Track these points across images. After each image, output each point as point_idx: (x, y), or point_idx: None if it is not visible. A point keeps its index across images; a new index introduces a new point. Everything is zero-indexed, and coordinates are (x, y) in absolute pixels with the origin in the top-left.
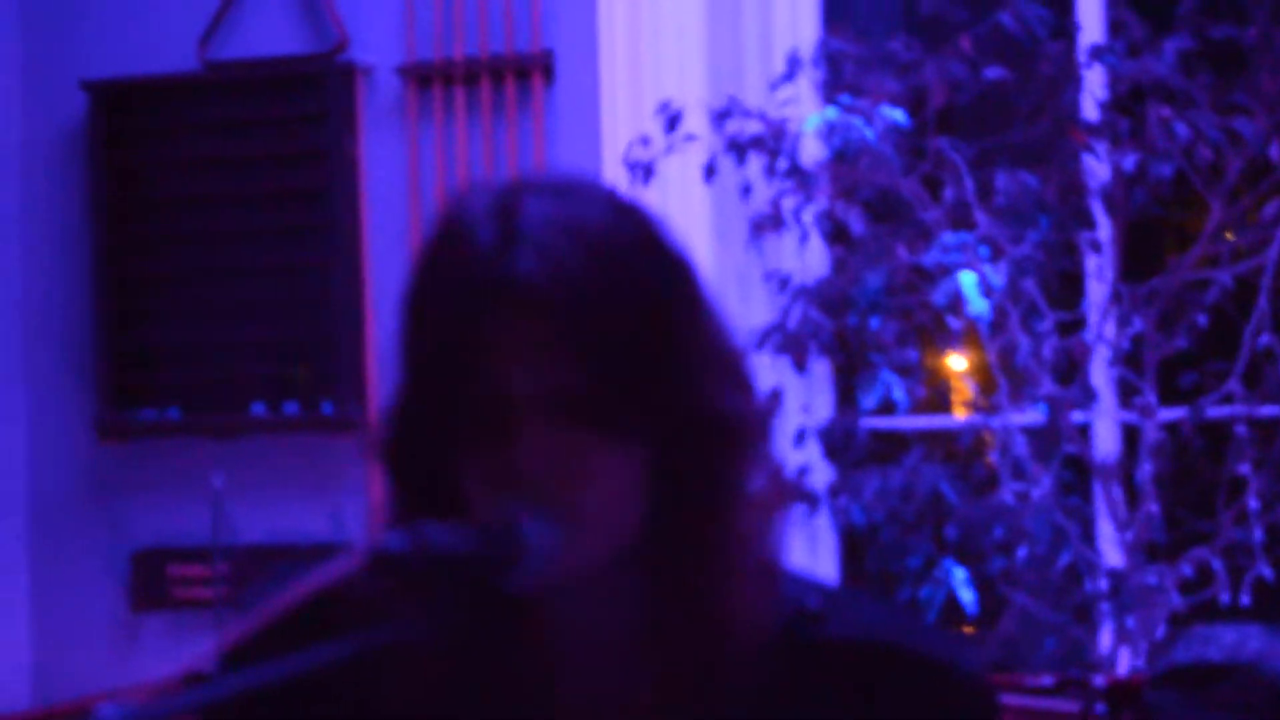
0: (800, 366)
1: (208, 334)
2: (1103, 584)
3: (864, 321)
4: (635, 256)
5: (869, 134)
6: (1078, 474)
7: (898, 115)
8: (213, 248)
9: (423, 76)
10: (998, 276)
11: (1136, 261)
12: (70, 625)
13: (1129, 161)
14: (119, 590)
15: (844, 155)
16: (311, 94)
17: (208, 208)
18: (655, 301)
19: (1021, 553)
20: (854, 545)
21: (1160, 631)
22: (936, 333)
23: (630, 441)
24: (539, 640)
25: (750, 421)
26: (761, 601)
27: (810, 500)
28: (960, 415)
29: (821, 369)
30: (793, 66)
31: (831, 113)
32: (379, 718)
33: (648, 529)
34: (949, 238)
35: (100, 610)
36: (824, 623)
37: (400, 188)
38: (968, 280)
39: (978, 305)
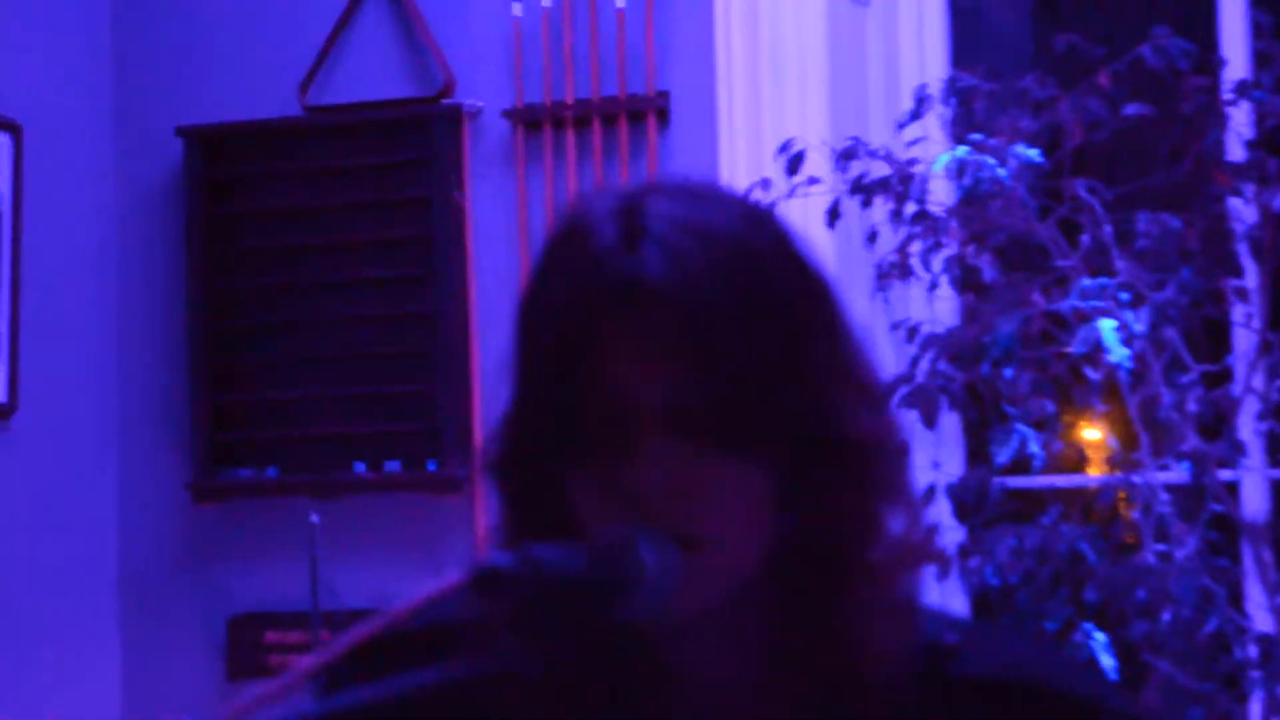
0: (929, 421)
1: (306, 390)
2: (1252, 651)
3: (997, 372)
4: (769, 263)
5: (1002, 173)
6: (1225, 534)
7: (1032, 154)
8: (312, 300)
9: (531, 120)
10: (1139, 324)
11: None
12: (165, 694)
13: (1278, 202)
14: (215, 658)
15: (975, 196)
16: (416, 139)
17: (307, 259)
18: (789, 312)
19: (1166, 617)
20: (987, 609)
21: None
22: (1074, 385)
23: (758, 462)
24: (655, 676)
25: (887, 447)
26: (896, 638)
27: (940, 561)
28: (1099, 472)
29: (952, 424)
30: (920, 104)
31: (962, 151)
32: None
33: (775, 558)
34: (1087, 283)
35: (196, 679)
36: (961, 659)
37: (509, 236)
38: (1107, 327)
39: (1118, 353)
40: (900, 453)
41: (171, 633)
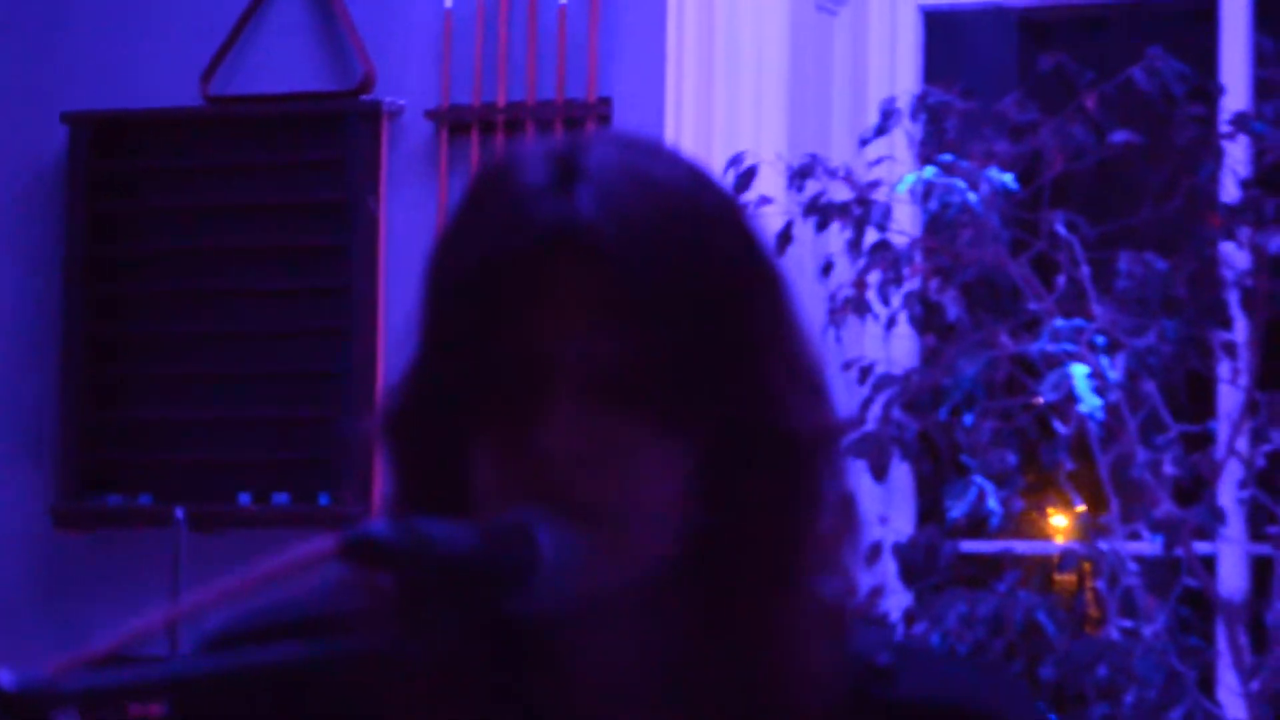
0: (879, 472)
1: (190, 410)
2: None
3: (956, 419)
4: (715, 226)
5: (972, 199)
6: (1198, 611)
7: (1006, 179)
8: (204, 310)
9: (458, 122)
10: (1114, 371)
11: (1277, 367)
12: None
13: (1274, 244)
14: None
15: (941, 223)
16: (329, 137)
17: (202, 264)
18: (731, 280)
19: (1129, 699)
20: None
21: None
22: (1040, 440)
23: (680, 440)
24: (545, 672)
25: (825, 439)
26: (821, 656)
27: (883, 626)
28: (1063, 538)
29: (903, 476)
30: (886, 119)
31: (929, 172)
32: None
33: (694, 551)
34: (1060, 323)
35: None
36: (895, 681)
37: (426, 249)
38: (1080, 374)
39: (1090, 403)
40: (838, 445)
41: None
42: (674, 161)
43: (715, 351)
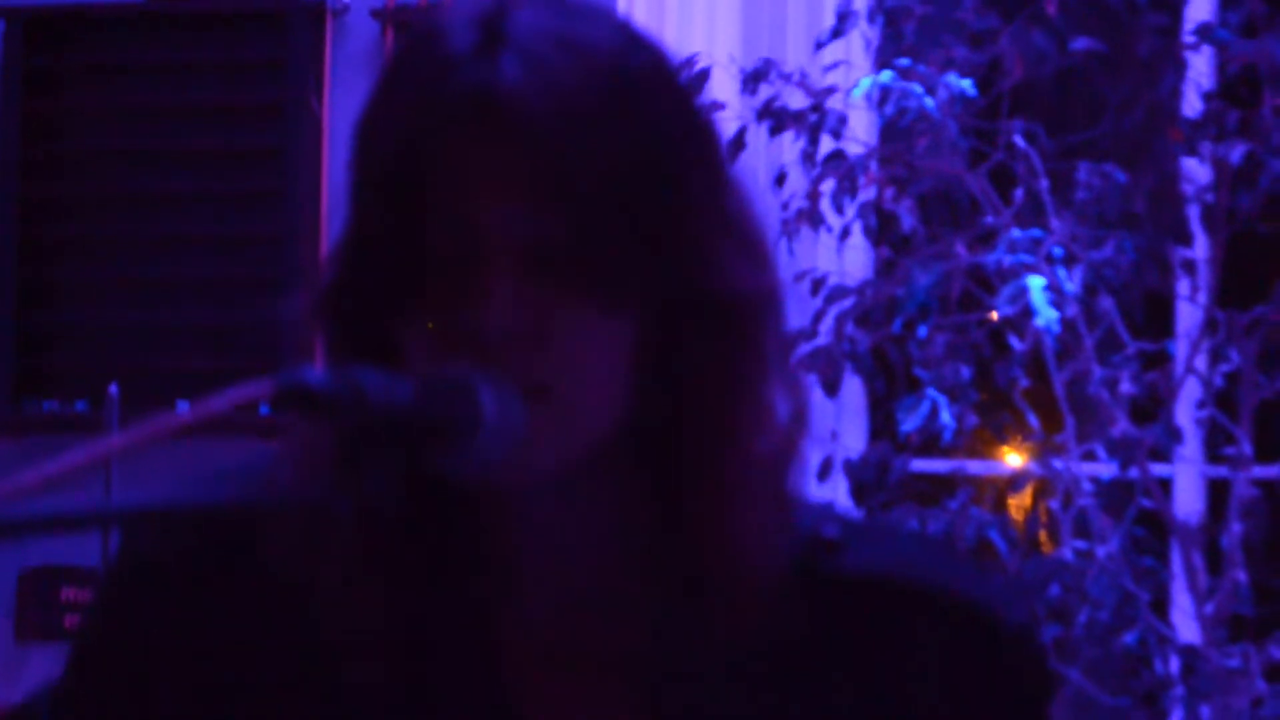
0: (831, 388)
1: (130, 315)
2: (1175, 664)
3: (909, 332)
4: (647, 87)
5: (929, 104)
6: (1153, 532)
7: (965, 85)
8: (143, 213)
9: (404, 22)
10: (1071, 283)
11: (1237, 285)
12: None
13: (1236, 154)
14: (1, 615)
15: (897, 130)
16: (271, 36)
17: (141, 165)
18: (666, 144)
19: (1081, 620)
20: None
21: None
22: (995, 356)
23: (620, 312)
24: (484, 545)
25: (768, 299)
26: (770, 525)
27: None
28: (1016, 458)
29: (855, 393)
30: (843, 21)
31: (886, 76)
32: (280, 590)
33: (634, 427)
34: (1018, 234)
35: None
36: (842, 555)
37: None
38: (1036, 285)
39: (1046, 315)
40: (781, 321)
41: None
42: (603, 21)
43: (650, 220)
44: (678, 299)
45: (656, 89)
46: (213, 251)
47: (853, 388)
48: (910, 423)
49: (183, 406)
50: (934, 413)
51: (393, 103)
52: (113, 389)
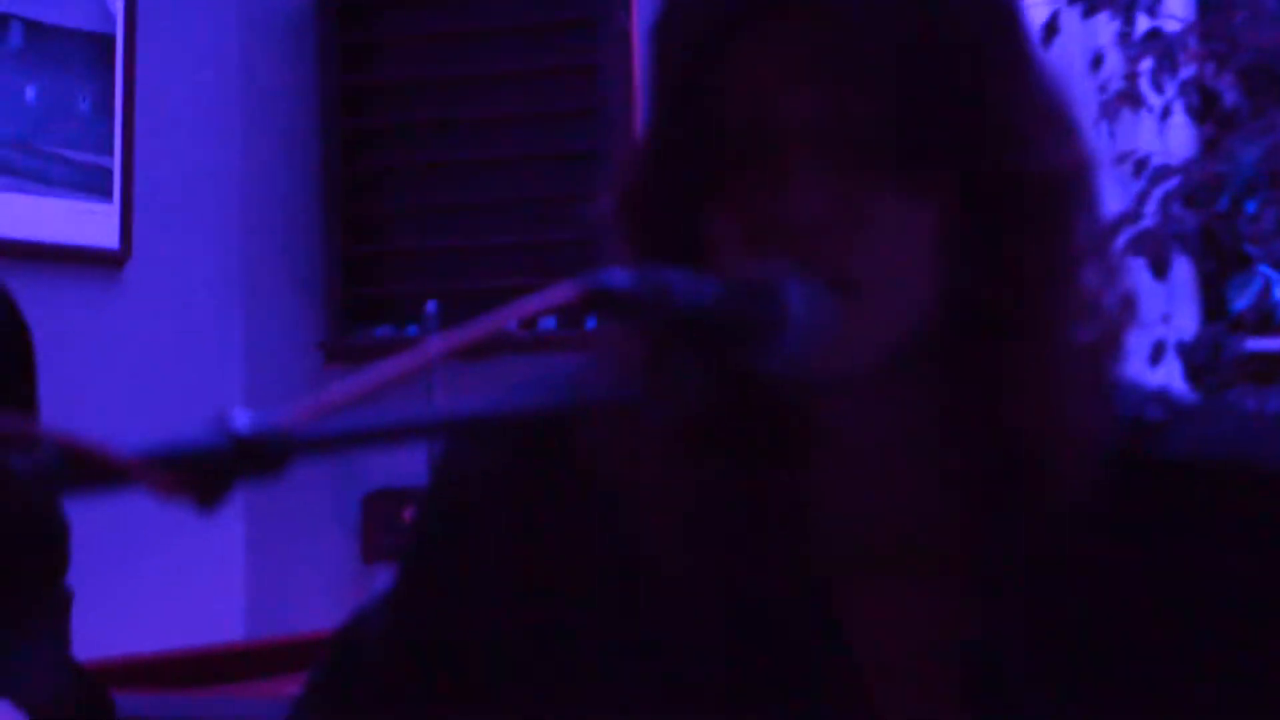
0: (1159, 270)
1: (453, 240)
2: None
3: (1237, 208)
4: None
5: None
6: None
7: None
8: (461, 139)
9: None
10: None
11: None
12: (294, 577)
13: None
14: (349, 539)
15: (1214, 5)
16: None
17: (455, 92)
18: (968, 21)
19: None
20: None
21: None
22: None
23: (926, 196)
24: (797, 440)
25: (1079, 176)
26: (1091, 411)
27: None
28: None
29: (1185, 274)
30: None
31: None
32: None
33: (945, 314)
34: None
35: (328, 560)
36: (1166, 438)
37: None
38: None
39: None
40: (1096, 202)
41: (300, 511)
42: None
43: (955, 100)
44: (987, 182)
45: None
46: (529, 172)
47: (1182, 269)
48: (1242, 301)
49: (509, 325)
50: (1266, 289)
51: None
52: (430, 307)
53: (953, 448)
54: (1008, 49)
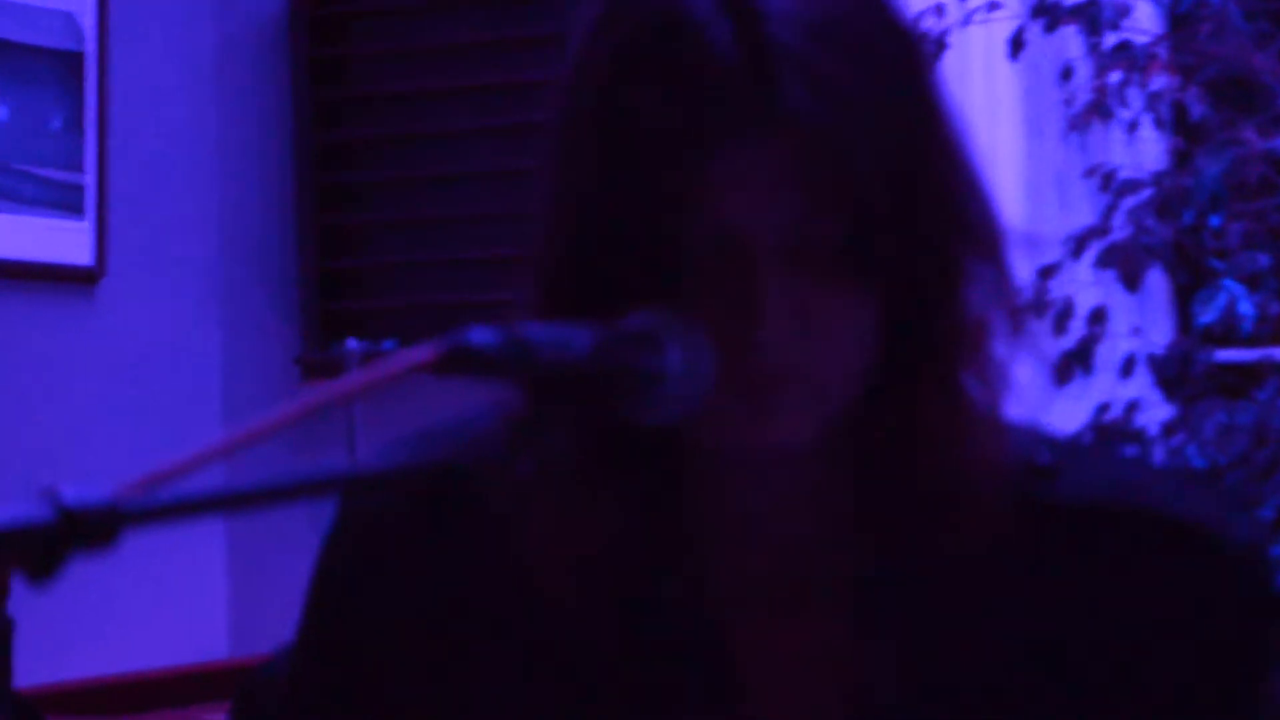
0: (1130, 282)
1: (431, 253)
2: None
3: (1202, 222)
4: (900, 70)
5: None
6: None
7: None
8: (440, 151)
9: None
10: None
11: None
12: (279, 597)
13: None
14: None
15: (1180, 18)
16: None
17: (430, 106)
18: (920, 116)
19: None
20: None
21: None
22: None
23: (874, 291)
24: (696, 488)
25: (997, 250)
26: (993, 458)
27: (1139, 440)
28: None
29: (1160, 286)
30: None
31: None
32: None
33: (868, 390)
34: None
35: (306, 573)
36: (1055, 480)
37: None
38: None
39: None
40: (1004, 259)
41: (280, 523)
42: None
43: (915, 209)
44: (923, 268)
45: (906, 65)
46: (508, 186)
47: (1156, 281)
48: (1207, 315)
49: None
50: (1232, 304)
51: (637, 80)
52: (350, 344)
53: (851, 495)
54: (949, 138)
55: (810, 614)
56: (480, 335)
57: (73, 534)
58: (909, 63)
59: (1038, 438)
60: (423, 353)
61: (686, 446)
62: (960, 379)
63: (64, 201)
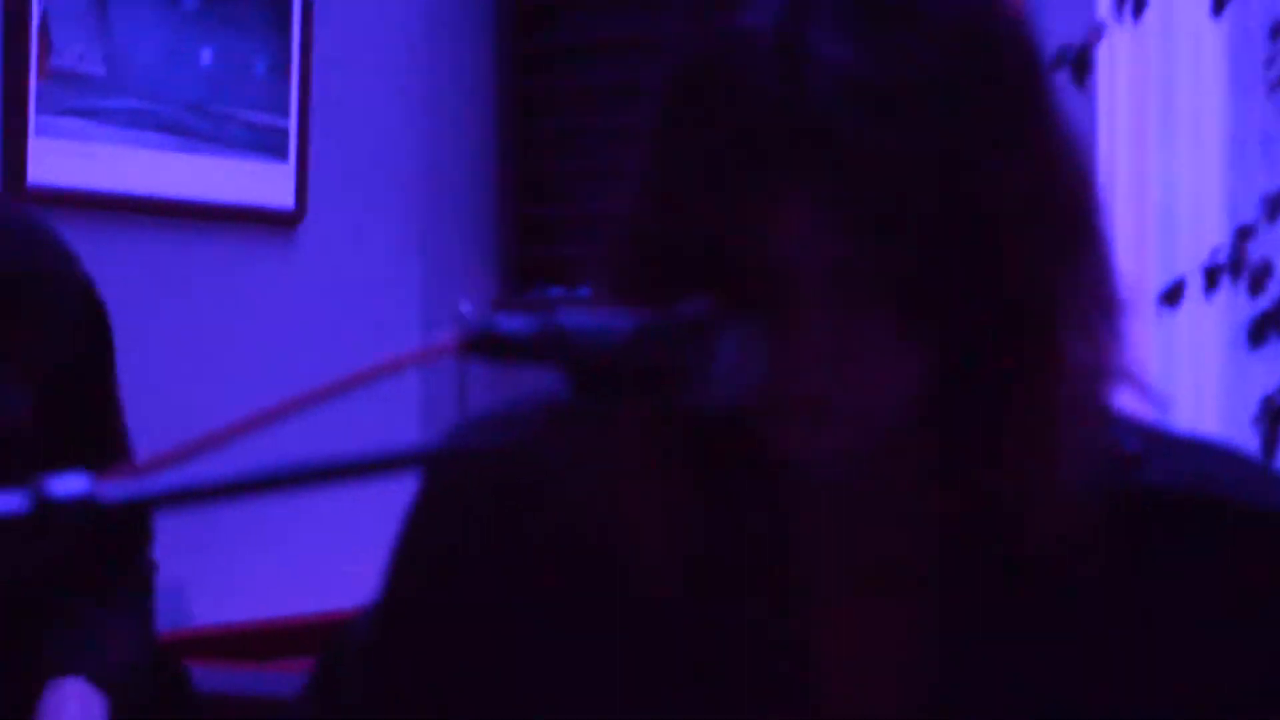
0: None
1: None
2: None
3: None
4: (977, 88)
5: None
6: None
7: None
8: (638, 102)
9: None
10: None
11: None
12: None
13: None
14: None
15: None
16: None
17: (634, 54)
18: (996, 143)
19: None
20: None
21: None
22: None
23: (921, 334)
24: (777, 473)
25: (1090, 307)
26: (1083, 459)
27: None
28: None
29: None
30: None
31: None
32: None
33: (937, 387)
34: None
35: None
36: (1142, 469)
37: None
38: None
39: None
40: (1106, 295)
41: None
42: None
43: (974, 257)
44: (984, 319)
45: (991, 85)
46: None
47: None
48: None
49: None
50: None
51: (699, 111)
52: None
53: (936, 492)
54: (1031, 169)
55: (895, 612)
56: (510, 321)
57: (46, 525)
58: (988, 88)
59: (1130, 426)
60: (446, 337)
61: (756, 444)
62: (1047, 382)
63: (267, 144)
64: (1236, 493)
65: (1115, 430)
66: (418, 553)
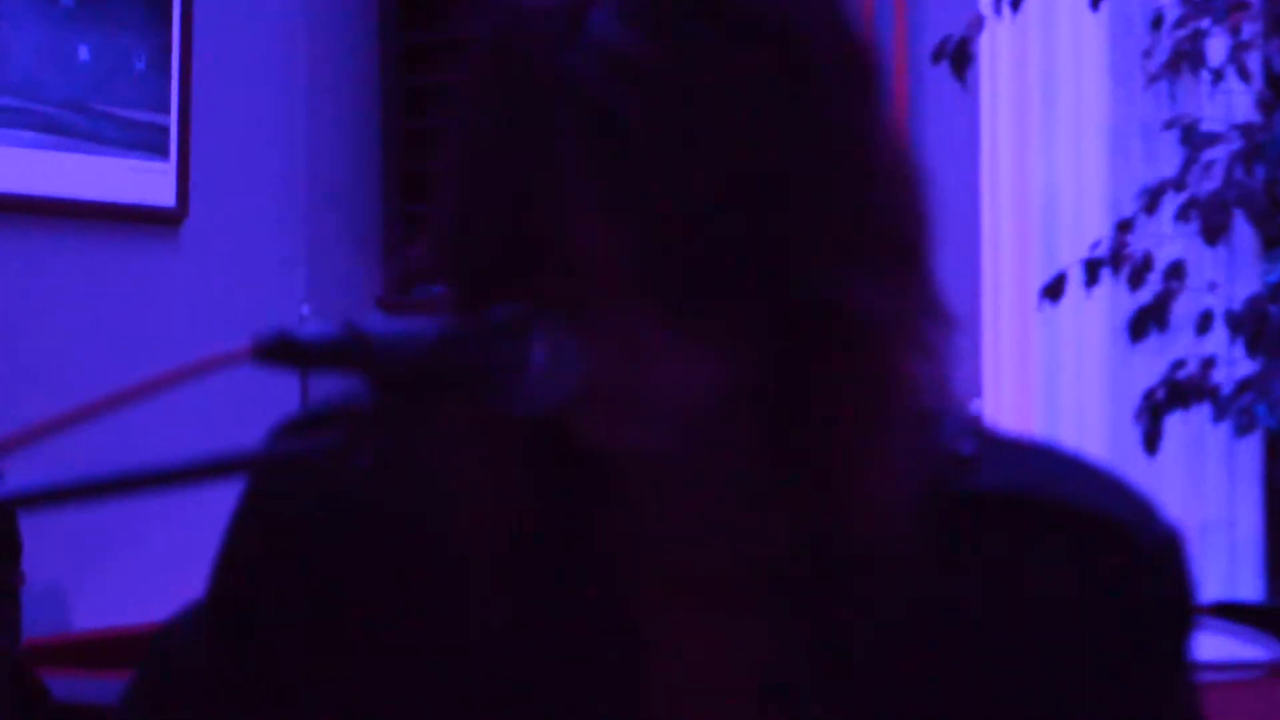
0: (1210, 235)
1: None
2: None
3: (1276, 172)
4: (770, 76)
5: None
6: None
7: None
8: None
9: None
10: None
11: None
12: None
13: None
14: None
15: None
16: None
17: None
18: (784, 139)
19: None
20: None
21: None
22: None
23: (726, 341)
24: (605, 477)
25: (910, 315)
26: (906, 450)
27: (1214, 399)
28: None
29: (1246, 240)
30: None
31: None
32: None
33: (755, 413)
34: None
35: None
36: (976, 471)
37: None
38: None
39: None
40: (936, 328)
41: None
42: None
43: (772, 246)
44: (791, 319)
45: (787, 82)
46: None
47: (1245, 237)
48: (1274, 274)
49: None
50: None
51: (490, 98)
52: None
53: (761, 475)
54: (848, 167)
55: (722, 611)
56: (311, 328)
57: None
58: (782, 83)
59: (966, 428)
60: (239, 350)
61: (571, 438)
62: (867, 377)
63: (147, 142)
64: (1069, 495)
65: (948, 434)
66: (238, 556)
